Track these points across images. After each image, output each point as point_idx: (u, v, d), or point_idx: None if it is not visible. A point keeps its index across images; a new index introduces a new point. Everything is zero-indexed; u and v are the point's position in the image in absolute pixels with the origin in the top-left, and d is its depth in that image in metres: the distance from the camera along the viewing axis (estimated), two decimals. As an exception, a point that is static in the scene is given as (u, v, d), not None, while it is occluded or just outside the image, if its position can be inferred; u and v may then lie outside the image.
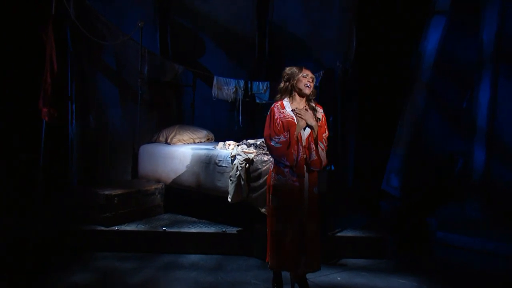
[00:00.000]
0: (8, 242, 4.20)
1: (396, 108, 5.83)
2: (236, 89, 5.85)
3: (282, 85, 3.34)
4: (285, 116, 3.24)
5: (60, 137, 5.31)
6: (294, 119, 3.23)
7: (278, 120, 3.23)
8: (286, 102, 3.31)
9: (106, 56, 5.55)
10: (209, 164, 4.72)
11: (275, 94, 5.61)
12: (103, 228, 4.45)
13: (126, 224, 4.58)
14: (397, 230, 5.04)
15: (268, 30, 6.13)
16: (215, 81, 5.82)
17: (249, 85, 5.89)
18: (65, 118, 5.24)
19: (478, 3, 5.11)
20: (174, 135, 5.35)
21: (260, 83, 5.88)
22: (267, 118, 3.32)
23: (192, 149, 5.01)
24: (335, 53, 5.99)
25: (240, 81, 5.88)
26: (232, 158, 4.48)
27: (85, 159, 5.45)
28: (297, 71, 3.28)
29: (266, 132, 3.28)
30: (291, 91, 3.30)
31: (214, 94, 5.83)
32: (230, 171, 4.42)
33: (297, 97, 3.31)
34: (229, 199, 4.39)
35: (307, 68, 3.33)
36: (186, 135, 5.41)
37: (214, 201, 4.75)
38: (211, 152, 4.79)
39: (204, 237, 4.43)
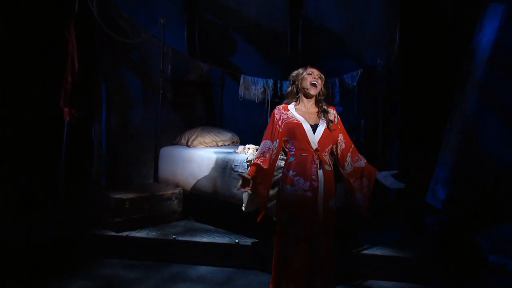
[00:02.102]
0: (15, 243, 4.21)
1: (446, 111, 5.26)
2: (265, 89, 5.58)
3: (288, 89, 3.09)
4: (289, 118, 2.95)
5: (82, 137, 5.31)
6: (299, 121, 2.93)
7: (280, 122, 2.95)
8: (290, 106, 3.04)
9: (129, 54, 5.51)
10: (225, 169, 4.49)
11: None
12: (113, 233, 4.36)
13: (137, 230, 4.45)
14: (440, 250, 4.50)
15: (301, 26, 5.79)
16: (241, 80, 5.59)
17: (278, 85, 5.59)
18: (86, 118, 5.24)
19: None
20: (195, 138, 5.17)
21: (292, 82, 5.54)
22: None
23: (211, 152, 4.80)
24: (377, 49, 5.58)
25: (269, 80, 5.60)
26: (248, 163, 4.22)
27: (107, 160, 5.43)
28: (301, 71, 3.02)
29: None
30: (297, 92, 3.02)
31: (241, 94, 5.60)
32: (245, 177, 4.15)
33: (304, 99, 3.02)
34: (243, 208, 4.10)
35: (314, 66, 3.05)
36: (208, 138, 5.22)
37: (231, 209, 4.50)
38: (228, 157, 4.55)
39: (215, 247, 4.19)
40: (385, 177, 3.01)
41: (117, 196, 4.43)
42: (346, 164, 3.03)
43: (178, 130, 5.57)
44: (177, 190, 4.87)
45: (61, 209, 4.92)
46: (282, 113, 2.98)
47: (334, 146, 3.03)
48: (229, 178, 4.44)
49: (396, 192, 5.66)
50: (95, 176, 5.37)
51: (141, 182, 5.40)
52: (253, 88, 5.55)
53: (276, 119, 2.96)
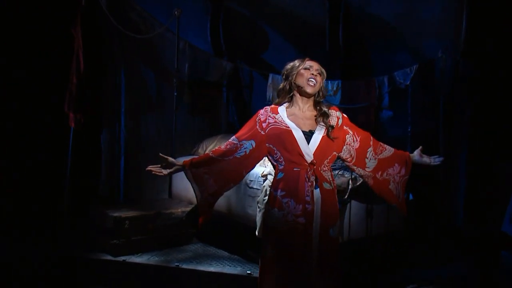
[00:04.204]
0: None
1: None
2: (297, 90, 5.12)
3: (280, 85, 2.65)
4: (277, 122, 2.49)
5: (90, 146, 5.14)
6: (289, 126, 2.47)
7: (264, 124, 2.50)
8: (281, 107, 2.58)
9: (142, 51, 5.26)
10: (240, 186, 4.07)
11: (349, 96, 4.76)
12: (109, 257, 4.07)
13: (138, 255, 4.13)
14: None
15: (342, 14, 5.27)
16: (270, 80, 5.18)
17: (315, 85, 5.11)
18: (94, 125, 5.06)
19: None
20: (214, 147, 4.82)
21: (329, 82, 5.01)
22: None
23: (226, 165, 4.43)
24: (437, 40, 5.00)
25: (303, 80, 5.14)
26: (264, 178, 3.79)
27: (117, 173, 5.22)
28: (297, 64, 2.57)
29: None
30: (290, 91, 2.57)
31: (269, 96, 5.17)
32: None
33: (299, 99, 2.55)
34: (257, 233, 3.71)
35: (313, 59, 2.59)
36: (228, 147, 4.84)
37: (247, 233, 4.09)
38: (243, 170, 4.15)
39: (223, 279, 3.77)
40: (421, 156, 2.64)
41: (115, 214, 4.15)
42: (367, 161, 2.59)
43: (198, 138, 5.28)
44: (189, 208, 4.53)
45: (62, 227, 4.75)
46: (269, 115, 2.53)
47: (341, 153, 2.55)
48: (244, 195, 4.04)
49: (462, 216, 5.00)
50: (104, 191, 5.16)
51: (151, 199, 5.13)
52: (284, 89, 5.11)
53: (260, 119, 2.53)
